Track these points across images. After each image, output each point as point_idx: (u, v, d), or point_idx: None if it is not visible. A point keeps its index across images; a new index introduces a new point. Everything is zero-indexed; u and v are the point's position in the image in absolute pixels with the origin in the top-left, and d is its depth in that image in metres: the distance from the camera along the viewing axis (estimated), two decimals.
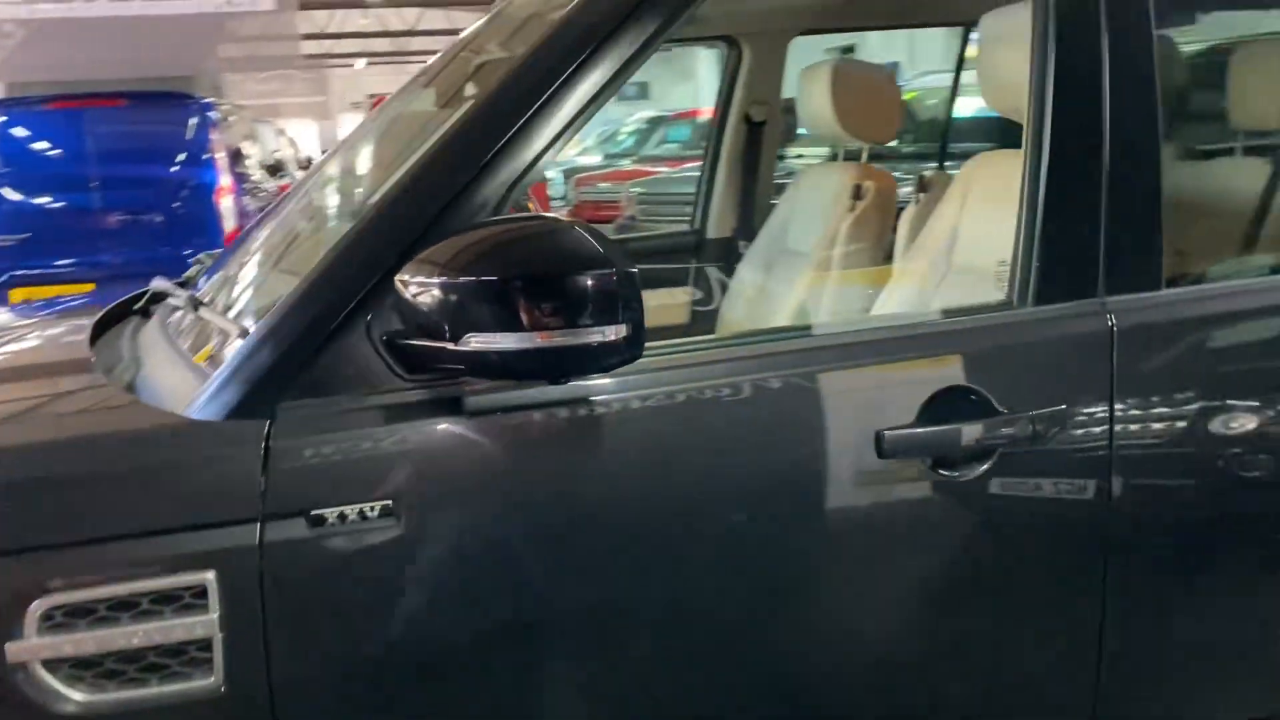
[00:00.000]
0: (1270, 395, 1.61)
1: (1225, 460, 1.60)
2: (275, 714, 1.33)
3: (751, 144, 3.09)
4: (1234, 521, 1.63)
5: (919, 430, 1.47)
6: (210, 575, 1.29)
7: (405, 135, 1.95)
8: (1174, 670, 1.66)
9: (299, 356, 1.36)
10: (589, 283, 1.20)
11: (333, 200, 2.06)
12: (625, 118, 15.71)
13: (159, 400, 1.46)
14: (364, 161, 2.10)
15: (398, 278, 1.33)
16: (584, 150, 14.50)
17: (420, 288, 1.29)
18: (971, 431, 1.48)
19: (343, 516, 1.33)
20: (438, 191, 1.39)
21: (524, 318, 1.22)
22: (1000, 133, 2.45)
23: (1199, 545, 1.63)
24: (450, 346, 1.26)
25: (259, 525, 1.31)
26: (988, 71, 1.94)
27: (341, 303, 1.36)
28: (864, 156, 2.74)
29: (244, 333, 1.44)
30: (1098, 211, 1.57)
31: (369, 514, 1.33)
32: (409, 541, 1.35)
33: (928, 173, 2.39)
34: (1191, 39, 2.12)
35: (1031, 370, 1.55)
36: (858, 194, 2.58)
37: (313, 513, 1.32)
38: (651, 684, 1.47)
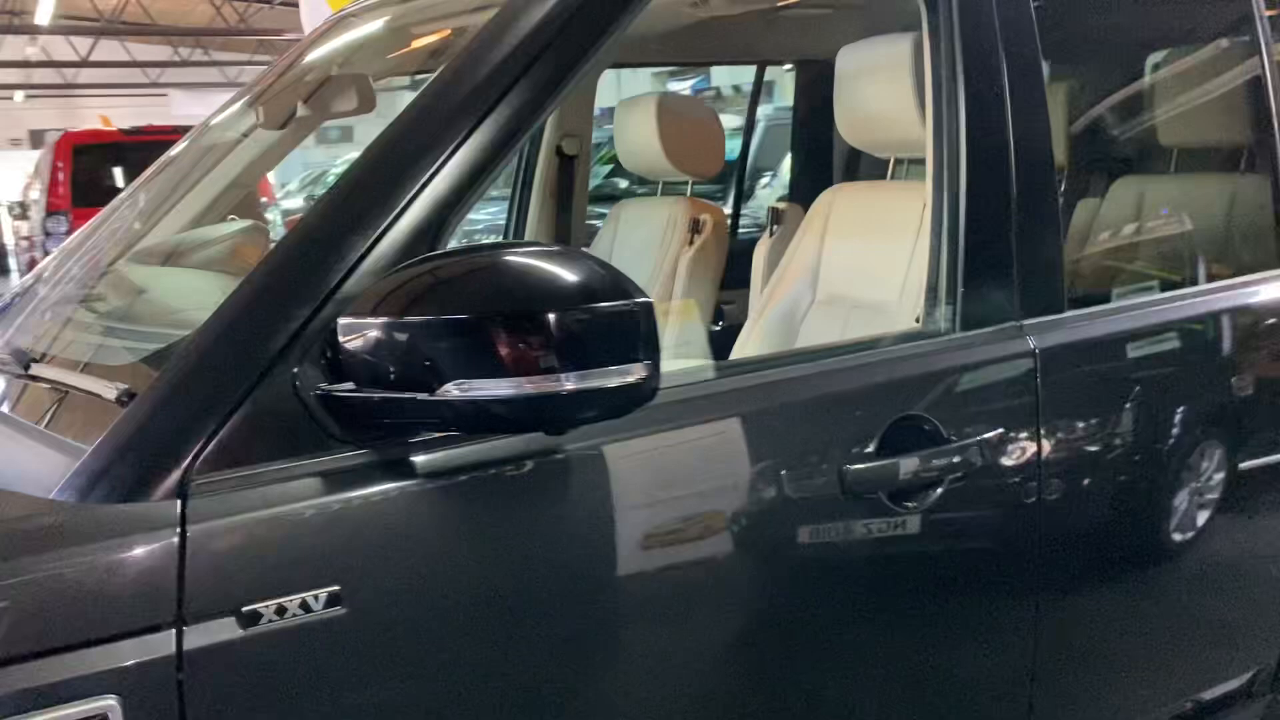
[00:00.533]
0: (1168, 404, 1.70)
1: (1136, 466, 1.67)
2: None
3: (564, 178, 2.98)
4: (1149, 527, 1.71)
5: (882, 463, 1.42)
6: (112, 701, 1.02)
7: (253, 157, 1.69)
8: (1098, 675, 1.71)
9: (210, 420, 1.10)
10: (607, 315, 1.05)
11: (174, 231, 1.76)
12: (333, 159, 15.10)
13: (10, 483, 1.15)
14: (205, 186, 1.81)
15: (340, 319, 1.12)
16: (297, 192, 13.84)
17: (378, 330, 1.08)
18: (931, 460, 1.45)
19: (281, 610, 1.08)
20: (372, 218, 1.19)
21: (522, 359, 1.04)
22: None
23: (1120, 554, 1.69)
24: (422, 397, 1.07)
25: (175, 631, 1.05)
26: (852, 104, 1.95)
27: (261, 352, 1.13)
28: (689, 191, 2.72)
29: (126, 394, 1.16)
30: (1010, 239, 1.59)
31: (312, 604, 1.10)
32: (362, 634, 1.13)
33: (780, 205, 2.38)
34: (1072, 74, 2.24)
35: (971, 395, 1.54)
36: (696, 228, 2.54)
37: (244, 609, 1.07)
38: None
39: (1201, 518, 1.77)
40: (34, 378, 1.35)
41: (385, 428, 1.14)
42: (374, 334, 1.08)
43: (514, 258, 1.09)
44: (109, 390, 1.18)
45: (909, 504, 1.44)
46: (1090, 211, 2.14)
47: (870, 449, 1.42)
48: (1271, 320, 1.89)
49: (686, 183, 2.73)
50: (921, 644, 1.53)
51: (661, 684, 1.32)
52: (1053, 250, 1.63)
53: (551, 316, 1.03)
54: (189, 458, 1.09)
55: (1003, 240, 1.59)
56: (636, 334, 1.06)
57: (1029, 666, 1.61)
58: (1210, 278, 1.99)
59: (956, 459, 1.47)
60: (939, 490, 1.45)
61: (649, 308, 1.07)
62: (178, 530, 1.06)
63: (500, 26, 1.31)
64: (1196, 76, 2.19)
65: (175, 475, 1.08)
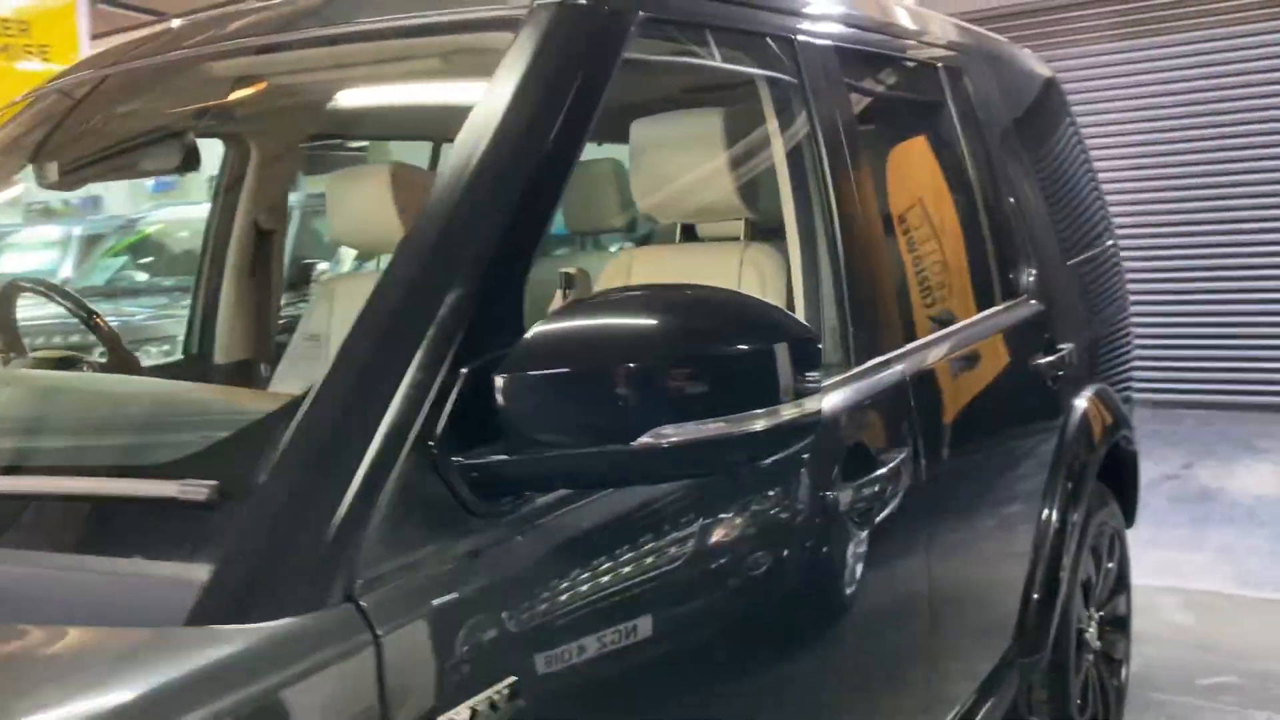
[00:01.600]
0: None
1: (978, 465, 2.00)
2: None
3: (261, 254, 2.76)
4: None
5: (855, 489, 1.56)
6: None
7: None
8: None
9: (363, 508, 0.96)
10: (791, 353, 1.06)
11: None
12: None
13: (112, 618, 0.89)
14: None
15: (498, 376, 1.02)
16: None
17: (560, 383, 1.00)
18: (884, 483, 1.62)
19: (474, 713, 0.96)
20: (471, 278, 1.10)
21: (717, 399, 1.02)
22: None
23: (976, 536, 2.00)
24: (615, 448, 1.00)
25: None
26: (656, 175, 2.09)
27: (395, 425, 1.00)
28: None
29: (218, 492, 0.96)
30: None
31: (499, 702, 0.99)
32: None
33: (570, 270, 2.41)
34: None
35: (873, 423, 1.73)
36: None
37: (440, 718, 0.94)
38: None
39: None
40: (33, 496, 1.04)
41: (516, 493, 1.06)
42: (549, 387, 1.01)
43: (689, 296, 1.07)
44: (192, 491, 0.96)
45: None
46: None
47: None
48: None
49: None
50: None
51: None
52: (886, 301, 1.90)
53: (775, 352, 1.03)
54: (352, 553, 0.94)
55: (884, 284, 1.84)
56: (809, 365, 1.09)
57: None
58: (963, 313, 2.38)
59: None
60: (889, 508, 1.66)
61: (819, 343, 1.11)
62: (371, 637, 0.91)
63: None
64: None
65: (344, 576, 0.92)
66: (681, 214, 2.21)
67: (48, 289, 2.44)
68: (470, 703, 0.96)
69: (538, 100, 1.26)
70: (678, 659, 1.23)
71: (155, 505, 0.98)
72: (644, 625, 1.16)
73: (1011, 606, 2.37)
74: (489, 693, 0.98)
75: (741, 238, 2.15)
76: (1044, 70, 3.17)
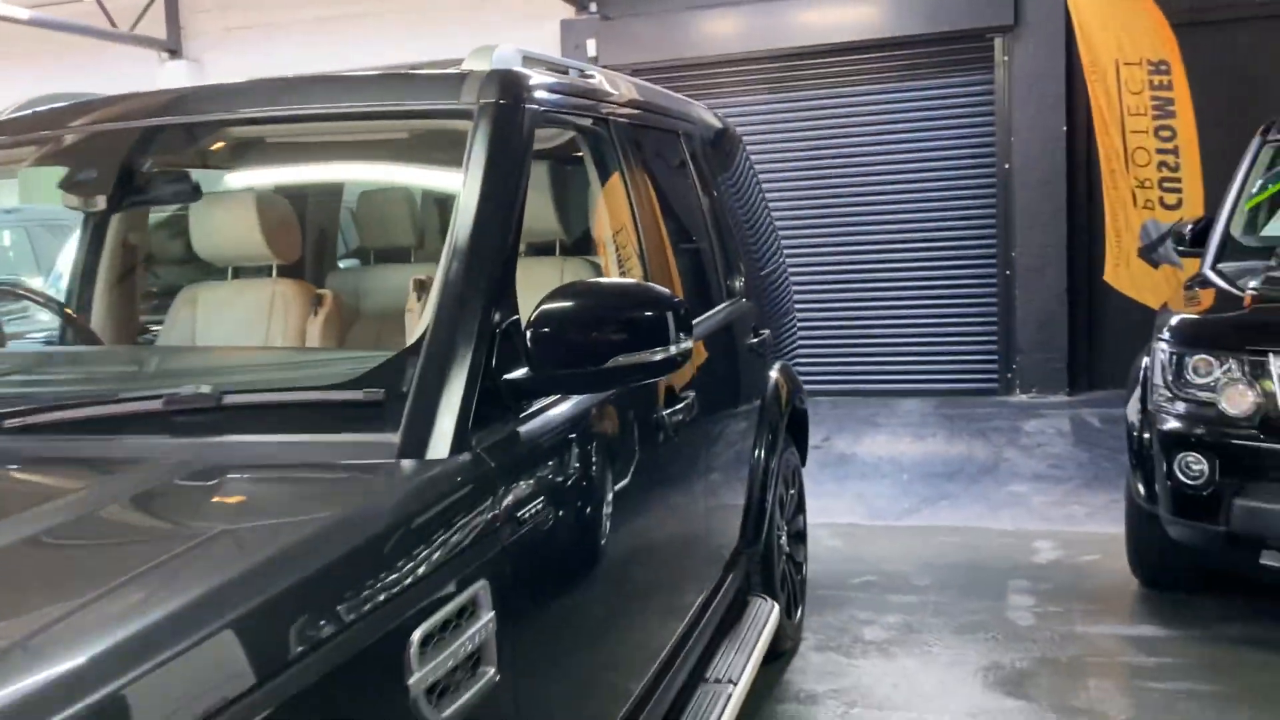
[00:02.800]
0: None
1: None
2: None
3: (126, 269, 3.23)
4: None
5: None
6: (484, 583, 1.61)
7: None
8: None
9: (468, 400, 1.72)
10: (674, 318, 1.90)
11: None
12: None
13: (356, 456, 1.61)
14: None
15: (528, 325, 1.80)
16: None
17: (564, 330, 1.80)
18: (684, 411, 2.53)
19: (535, 511, 1.76)
20: (490, 277, 1.88)
21: (649, 339, 1.86)
22: None
23: None
24: (593, 369, 1.82)
25: (505, 528, 1.68)
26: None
27: (476, 355, 1.76)
28: (274, 273, 3.25)
29: (376, 392, 1.68)
30: None
31: (541, 508, 1.79)
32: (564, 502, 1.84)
33: (421, 276, 3.08)
34: None
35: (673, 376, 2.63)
36: (319, 301, 3.12)
37: (527, 507, 1.74)
38: None
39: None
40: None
41: (526, 398, 1.86)
42: (554, 335, 1.81)
43: (628, 285, 1.92)
44: (371, 395, 1.68)
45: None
46: None
47: None
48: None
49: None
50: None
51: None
52: None
53: (668, 315, 1.88)
54: (468, 425, 1.70)
55: None
56: (684, 325, 1.94)
57: None
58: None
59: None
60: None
61: (690, 311, 1.98)
62: (489, 467, 1.68)
63: None
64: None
65: (467, 436, 1.69)
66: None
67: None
68: (533, 505, 1.76)
69: (501, 163, 2.04)
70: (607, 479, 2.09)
71: (349, 405, 1.69)
72: (598, 463, 2.01)
73: (738, 515, 3.36)
74: (535, 503, 1.78)
75: (557, 252, 2.99)
76: (718, 122, 4.21)
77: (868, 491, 6.08)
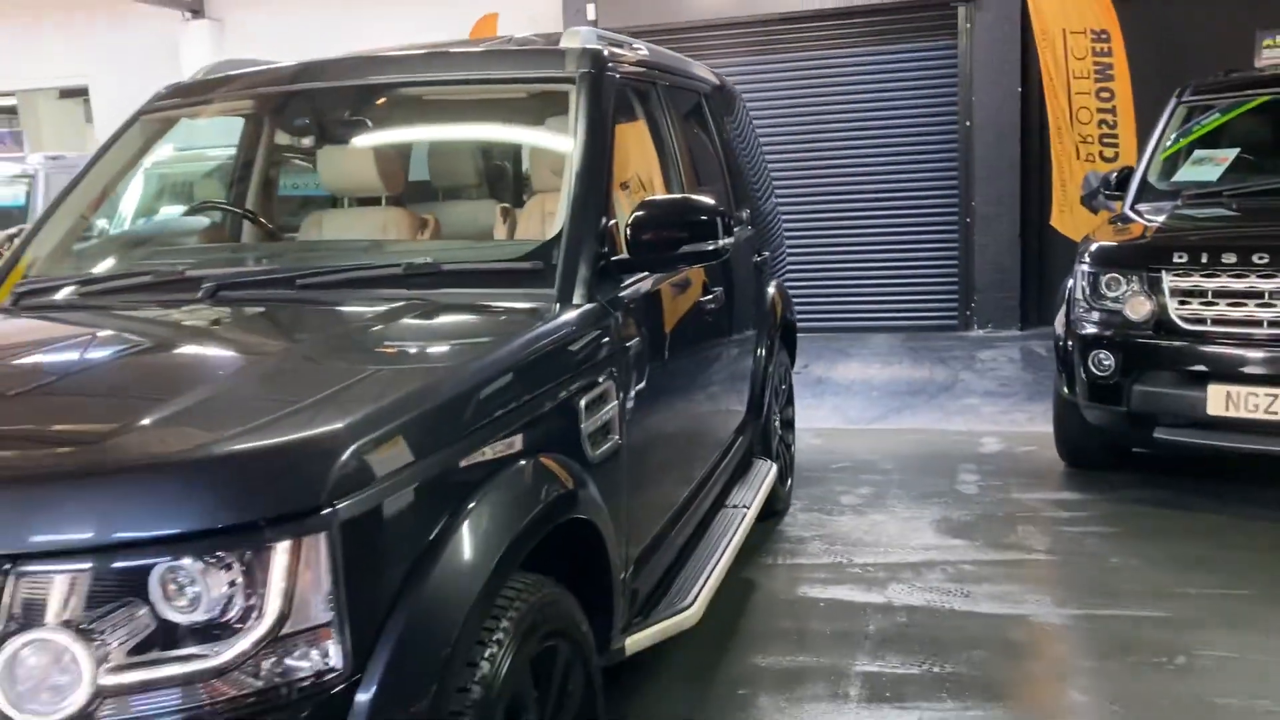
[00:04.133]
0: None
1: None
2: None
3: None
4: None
5: None
6: (611, 382, 2.53)
7: None
8: None
9: (595, 269, 2.62)
10: (721, 220, 2.80)
11: None
12: None
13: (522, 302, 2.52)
14: None
15: (625, 223, 2.71)
16: None
17: (643, 227, 2.71)
18: (716, 300, 3.46)
19: (629, 347, 2.68)
20: (600, 193, 2.78)
21: (700, 233, 2.76)
22: None
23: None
24: (668, 254, 2.73)
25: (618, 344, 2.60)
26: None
27: (595, 243, 2.66)
28: (383, 202, 4.12)
29: (538, 265, 2.58)
30: None
31: (640, 344, 2.71)
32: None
33: (506, 205, 3.95)
34: None
35: (706, 278, 3.55)
36: (423, 225, 3.99)
37: (628, 346, 2.65)
38: None
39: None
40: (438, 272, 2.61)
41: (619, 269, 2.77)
42: (641, 230, 2.71)
43: (691, 198, 2.82)
44: (530, 264, 2.58)
45: None
46: None
47: None
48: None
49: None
50: None
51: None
52: None
53: (717, 219, 2.78)
54: (596, 287, 2.61)
55: None
56: (729, 226, 2.85)
57: None
58: None
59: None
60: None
61: (731, 216, 2.88)
62: (609, 311, 2.60)
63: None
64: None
65: (597, 293, 2.60)
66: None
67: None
68: (632, 337, 2.68)
69: (597, 118, 2.93)
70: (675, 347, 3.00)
71: (522, 272, 2.59)
72: (666, 318, 2.93)
73: (746, 392, 4.29)
74: (633, 336, 2.70)
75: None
76: (723, 81, 5.09)
77: (842, 404, 7.05)
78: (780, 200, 9.06)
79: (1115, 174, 6.05)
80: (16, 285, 2.81)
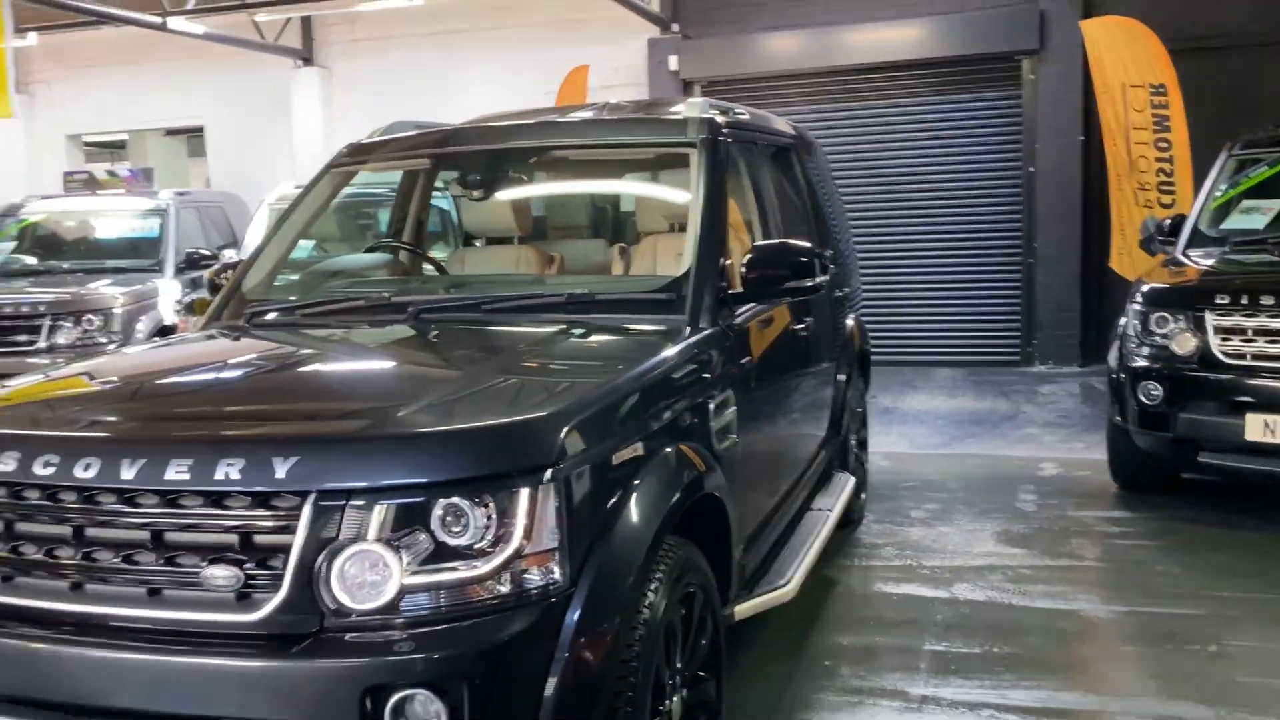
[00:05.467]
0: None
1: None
2: None
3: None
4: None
5: None
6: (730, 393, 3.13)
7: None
8: None
9: (719, 297, 3.23)
10: (818, 260, 3.39)
11: None
12: None
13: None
14: None
15: (743, 263, 3.31)
16: None
17: (756, 268, 3.30)
18: (809, 330, 4.06)
19: (742, 364, 3.28)
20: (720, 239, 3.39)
21: (800, 275, 3.35)
22: None
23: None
24: (776, 288, 3.33)
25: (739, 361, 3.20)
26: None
27: (717, 281, 3.26)
28: (516, 241, 4.77)
29: (671, 294, 3.19)
30: None
31: (748, 365, 3.31)
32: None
33: (623, 245, 4.58)
34: None
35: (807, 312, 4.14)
36: (549, 261, 4.63)
37: (743, 363, 3.25)
38: None
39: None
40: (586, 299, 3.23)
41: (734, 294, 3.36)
42: (755, 270, 3.31)
43: (791, 243, 3.42)
44: (665, 294, 3.19)
45: None
46: None
47: None
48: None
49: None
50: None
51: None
52: None
53: (814, 260, 3.36)
54: (719, 314, 3.21)
55: None
56: (824, 266, 3.43)
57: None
58: None
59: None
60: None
61: (826, 256, 3.47)
62: (731, 334, 3.20)
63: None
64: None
65: (720, 318, 3.20)
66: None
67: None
68: (745, 355, 3.28)
69: (715, 175, 3.55)
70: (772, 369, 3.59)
71: (658, 302, 3.19)
72: (771, 341, 3.53)
73: (828, 413, 4.86)
74: (746, 354, 3.29)
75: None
76: (806, 134, 5.68)
77: (909, 432, 7.57)
78: (854, 240, 9.67)
79: (1169, 221, 6.54)
80: (248, 308, 3.48)
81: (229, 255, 8.93)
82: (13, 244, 9.37)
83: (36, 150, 13.84)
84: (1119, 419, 5.49)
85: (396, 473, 2.09)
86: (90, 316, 7.83)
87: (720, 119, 3.83)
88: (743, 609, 3.28)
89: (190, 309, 7.57)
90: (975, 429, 7.60)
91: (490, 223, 4.66)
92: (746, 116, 4.39)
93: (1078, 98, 9.71)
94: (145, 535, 2.17)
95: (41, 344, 7.72)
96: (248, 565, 2.10)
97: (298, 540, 2.07)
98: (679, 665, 2.57)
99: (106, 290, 8.09)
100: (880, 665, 3.74)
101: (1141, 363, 5.28)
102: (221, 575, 2.09)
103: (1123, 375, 5.42)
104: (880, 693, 3.53)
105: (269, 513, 2.09)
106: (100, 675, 2.13)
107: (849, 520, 5.23)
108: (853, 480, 4.93)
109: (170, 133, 16.87)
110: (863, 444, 5.60)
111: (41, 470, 2.23)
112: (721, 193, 3.52)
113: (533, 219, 4.72)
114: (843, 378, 5.05)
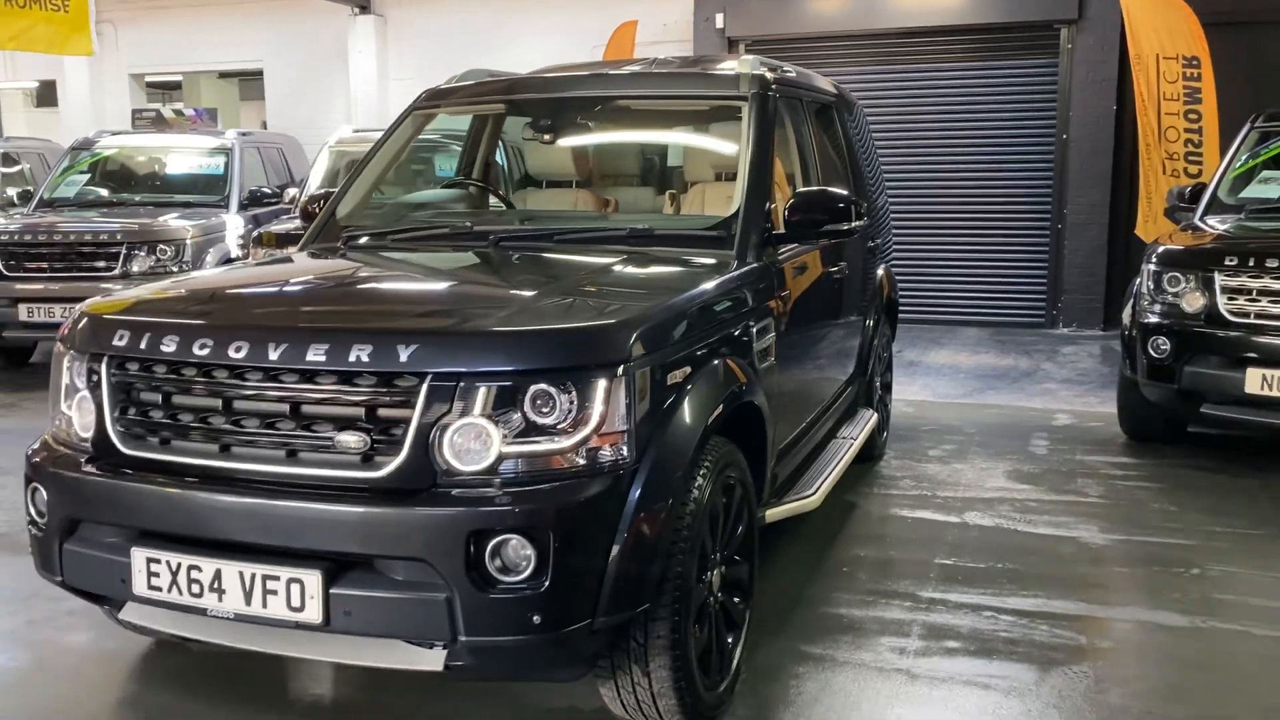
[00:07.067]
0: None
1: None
2: None
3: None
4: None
5: None
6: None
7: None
8: None
9: (765, 235, 3.63)
10: (855, 206, 3.78)
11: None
12: None
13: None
14: None
15: (785, 207, 3.70)
16: None
17: (802, 211, 3.70)
18: (844, 269, 4.46)
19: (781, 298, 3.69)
20: (766, 185, 3.78)
21: (838, 218, 3.74)
22: None
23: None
24: (816, 229, 3.73)
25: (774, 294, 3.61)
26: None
27: (761, 226, 3.66)
28: (574, 184, 5.17)
29: (721, 231, 3.60)
30: None
31: (783, 299, 3.72)
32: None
33: (672, 191, 4.97)
34: None
35: (842, 254, 4.53)
36: (606, 204, 5.03)
37: (783, 296, 3.66)
38: None
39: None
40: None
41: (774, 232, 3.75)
42: (800, 211, 3.70)
43: (822, 189, 3.81)
44: (715, 231, 3.60)
45: None
46: None
47: None
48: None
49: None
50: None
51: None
52: None
53: (852, 205, 3.75)
54: (761, 251, 3.61)
55: None
56: (860, 210, 3.82)
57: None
58: None
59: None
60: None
61: (861, 203, 3.86)
62: (774, 268, 3.61)
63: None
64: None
65: (763, 255, 3.60)
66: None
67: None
68: (785, 289, 3.69)
69: (764, 126, 3.94)
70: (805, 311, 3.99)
71: (710, 238, 3.60)
72: (809, 277, 3.93)
73: (855, 353, 5.26)
74: (786, 288, 3.70)
75: None
76: (847, 93, 6.03)
77: (932, 383, 7.96)
78: (889, 198, 10.03)
79: (1189, 189, 6.85)
80: (344, 233, 3.92)
81: (292, 193, 9.39)
82: (85, 176, 9.86)
83: (101, 89, 14.34)
84: (1129, 372, 5.85)
85: (498, 361, 2.53)
86: (164, 246, 8.31)
87: (770, 76, 4.21)
88: (773, 513, 3.72)
89: (259, 241, 8.01)
90: (996, 383, 7.98)
91: (552, 167, 5.06)
92: (793, 74, 4.76)
93: (1112, 68, 9.96)
94: (285, 407, 2.62)
95: (117, 271, 8.21)
96: (373, 432, 2.55)
97: (416, 413, 2.51)
98: (719, 545, 3.01)
99: (178, 222, 8.57)
100: (894, 574, 4.18)
101: (1153, 319, 5.63)
102: (352, 439, 2.54)
103: (1134, 331, 5.78)
104: (893, 594, 3.97)
105: (392, 390, 2.54)
106: (246, 519, 2.59)
107: (870, 455, 5.65)
108: (875, 416, 5.35)
109: (223, 75, 17.35)
110: (886, 387, 6.01)
111: (199, 351, 2.69)
112: (769, 143, 3.92)
113: (591, 164, 5.12)
114: (871, 322, 5.45)
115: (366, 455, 2.55)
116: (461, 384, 2.52)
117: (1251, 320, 5.32)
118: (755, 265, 3.56)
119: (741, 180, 3.78)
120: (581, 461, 2.55)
